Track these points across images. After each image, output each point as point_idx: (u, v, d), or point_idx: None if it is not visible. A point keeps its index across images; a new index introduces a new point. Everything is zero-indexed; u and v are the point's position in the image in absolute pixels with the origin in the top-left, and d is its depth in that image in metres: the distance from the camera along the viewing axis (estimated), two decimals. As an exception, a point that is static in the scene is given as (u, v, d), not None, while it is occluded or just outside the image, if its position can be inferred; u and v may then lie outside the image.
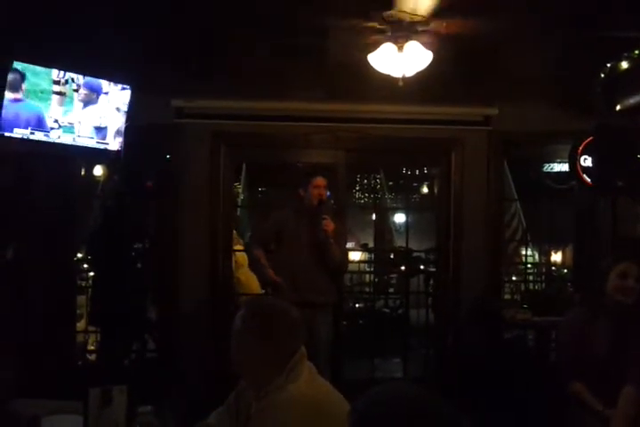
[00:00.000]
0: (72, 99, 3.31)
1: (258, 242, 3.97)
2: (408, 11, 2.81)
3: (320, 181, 3.79)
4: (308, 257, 3.73)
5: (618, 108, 3.76)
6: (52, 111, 3.23)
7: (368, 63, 3.14)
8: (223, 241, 4.41)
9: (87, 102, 3.38)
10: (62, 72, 3.22)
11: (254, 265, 4.21)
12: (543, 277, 6.56)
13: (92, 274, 4.68)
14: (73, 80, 3.30)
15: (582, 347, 2.73)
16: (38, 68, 3.13)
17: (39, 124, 3.20)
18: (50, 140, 3.25)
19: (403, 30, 2.98)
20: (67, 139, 3.33)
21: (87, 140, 3.43)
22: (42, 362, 3.59)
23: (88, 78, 3.36)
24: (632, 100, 3.86)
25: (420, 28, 2.98)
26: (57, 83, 3.22)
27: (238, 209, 5.96)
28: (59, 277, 4.03)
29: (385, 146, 4.50)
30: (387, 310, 6.58)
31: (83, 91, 3.34)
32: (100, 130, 3.48)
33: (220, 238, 4.38)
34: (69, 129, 3.32)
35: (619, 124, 3.87)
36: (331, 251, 3.69)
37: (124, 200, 4.38)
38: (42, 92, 3.16)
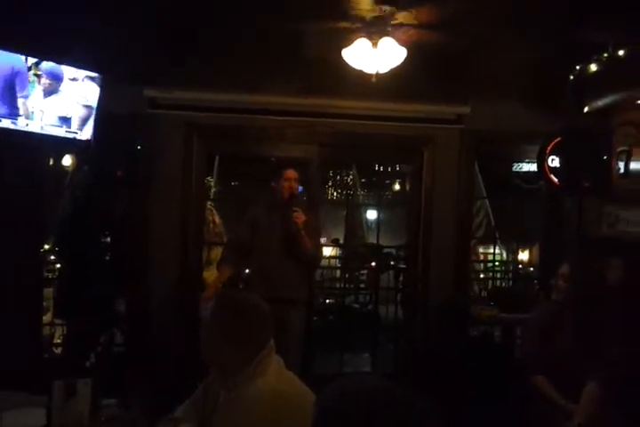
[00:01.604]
0: (34, 85, 3.22)
1: (234, 254, 3.86)
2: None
3: (291, 173, 3.77)
4: (281, 251, 3.71)
5: (586, 109, 3.84)
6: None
7: (343, 59, 3.14)
8: (194, 232, 4.39)
9: (50, 90, 3.29)
10: (23, 57, 3.13)
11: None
12: (510, 274, 6.67)
13: (59, 266, 4.60)
14: (37, 65, 3.19)
15: (546, 342, 2.80)
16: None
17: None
18: (17, 128, 3.18)
19: (376, 26, 2.99)
20: (34, 127, 3.26)
21: (56, 129, 3.37)
22: (7, 355, 3.52)
23: (52, 65, 3.28)
24: (600, 103, 3.94)
25: (391, 21, 2.98)
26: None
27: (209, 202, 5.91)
28: (25, 269, 3.95)
29: (358, 142, 4.51)
30: (356, 306, 6.61)
31: (46, 80, 3.25)
32: (65, 120, 3.40)
33: (191, 230, 4.36)
34: (31, 116, 3.23)
35: (586, 126, 3.95)
36: (302, 244, 3.67)
37: (94, 191, 4.31)
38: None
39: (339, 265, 7.67)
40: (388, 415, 1.02)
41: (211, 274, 4.94)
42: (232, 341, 1.64)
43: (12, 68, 3.09)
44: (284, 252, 3.71)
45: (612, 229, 4.02)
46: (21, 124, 3.20)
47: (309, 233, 3.71)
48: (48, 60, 3.23)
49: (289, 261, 3.71)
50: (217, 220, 5.09)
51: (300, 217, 3.64)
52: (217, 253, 5.07)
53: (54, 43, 3.14)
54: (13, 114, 3.16)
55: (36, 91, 3.23)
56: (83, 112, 3.48)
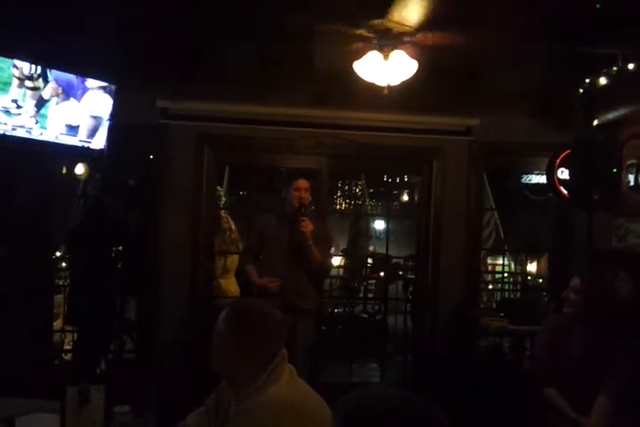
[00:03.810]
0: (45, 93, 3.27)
1: (250, 257, 3.93)
2: (397, 21, 2.85)
3: (302, 183, 3.77)
4: (290, 261, 3.72)
5: (596, 122, 3.85)
6: (27, 105, 3.18)
7: (353, 71, 3.17)
8: (205, 241, 4.41)
9: (62, 99, 3.33)
10: (29, 65, 3.14)
11: (246, 280, 4.14)
12: (519, 286, 6.65)
13: (69, 273, 4.63)
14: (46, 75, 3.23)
15: (557, 354, 2.79)
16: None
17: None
18: (32, 136, 3.22)
19: (389, 39, 3.01)
20: (48, 136, 3.30)
21: (69, 138, 3.41)
22: (18, 361, 3.54)
23: (62, 74, 3.31)
24: (610, 116, 3.96)
25: (405, 39, 3.02)
26: (23, 76, 3.12)
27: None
28: (36, 276, 3.98)
29: (367, 153, 4.53)
30: (365, 316, 6.60)
31: (58, 89, 3.30)
32: (73, 128, 3.43)
33: (202, 239, 4.38)
34: (41, 124, 3.27)
35: (596, 139, 3.96)
36: (309, 252, 3.67)
37: (106, 199, 4.36)
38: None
39: (348, 275, 7.68)
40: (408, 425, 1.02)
41: (228, 282, 4.95)
42: (244, 350, 1.63)
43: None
44: (292, 261, 3.72)
45: (621, 242, 4.02)
46: (35, 134, 3.25)
47: (318, 243, 3.72)
48: (62, 70, 3.28)
49: (298, 270, 3.72)
50: (233, 227, 5.11)
51: (307, 226, 3.65)
52: (233, 260, 5.10)
53: (70, 53, 3.19)
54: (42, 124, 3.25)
55: (52, 100, 3.29)
56: (90, 123, 3.50)
